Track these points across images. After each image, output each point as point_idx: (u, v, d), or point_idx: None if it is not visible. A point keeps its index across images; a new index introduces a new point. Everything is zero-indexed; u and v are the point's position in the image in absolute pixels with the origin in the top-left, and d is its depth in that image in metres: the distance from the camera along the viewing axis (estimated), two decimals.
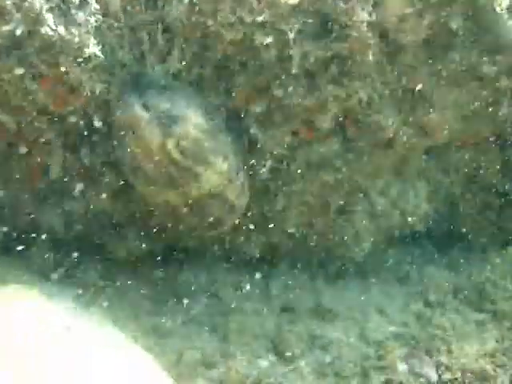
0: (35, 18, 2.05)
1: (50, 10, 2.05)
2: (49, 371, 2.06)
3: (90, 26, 2.10)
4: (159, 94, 2.22)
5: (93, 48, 2.12)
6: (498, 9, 2.32)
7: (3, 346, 2.05)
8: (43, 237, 2.69)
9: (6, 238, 2.69)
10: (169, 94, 2.23)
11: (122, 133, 2.23)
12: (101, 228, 2.75)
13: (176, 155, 2.23)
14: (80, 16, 2.09)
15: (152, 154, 2.22)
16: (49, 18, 2.06)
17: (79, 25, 2.10)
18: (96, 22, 2.11)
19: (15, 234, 2.69)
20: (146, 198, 2.41)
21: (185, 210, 2.38)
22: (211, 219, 2.49)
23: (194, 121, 2.25)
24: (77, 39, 2.10)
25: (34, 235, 2.69)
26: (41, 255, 2.75)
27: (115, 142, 2.29)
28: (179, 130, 2.22)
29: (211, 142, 2.29)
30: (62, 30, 2.08)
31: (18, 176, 2.49)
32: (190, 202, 2.35)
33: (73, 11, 2.08)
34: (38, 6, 2.02)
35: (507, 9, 2.34)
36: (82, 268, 2.78)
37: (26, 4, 2.01)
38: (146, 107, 2.19)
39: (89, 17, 2.10)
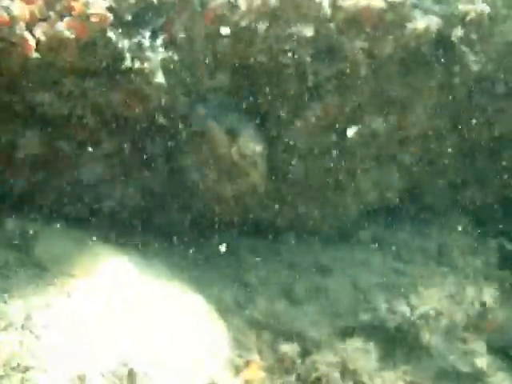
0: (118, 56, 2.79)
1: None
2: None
3: (157, 60, 2.84)
4: (224, 110, 3.01)
5: (159, 78, 2.85)
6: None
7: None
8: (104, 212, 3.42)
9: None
10: (229, 110, 3.04)
11: (194, 137, 3.01)
12: (151, 205, 3.47)
13: (237, 158, 3.03)
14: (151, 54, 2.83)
15: (219, 154, 3.01)
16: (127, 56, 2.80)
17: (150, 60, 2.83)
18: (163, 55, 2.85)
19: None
20: (199, 187, 3.19)
21: (230, 197, 3.21)
22: (243, 205, 3.35)
23: (249, 133, 3.06)
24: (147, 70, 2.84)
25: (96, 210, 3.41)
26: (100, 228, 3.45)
27: (183, 142, 3.07)
28: (242, 140, 3.05)
29: (258, 148, 3.11)
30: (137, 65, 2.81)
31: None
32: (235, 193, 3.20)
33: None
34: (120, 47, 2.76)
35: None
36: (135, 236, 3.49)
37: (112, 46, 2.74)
38: (217, 120, 2.98)
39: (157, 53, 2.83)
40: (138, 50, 2.74)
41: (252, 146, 3.17)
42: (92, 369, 2.38)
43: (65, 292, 2.79)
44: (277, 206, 3.56)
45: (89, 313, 2.71)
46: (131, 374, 2.32)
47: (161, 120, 3.06)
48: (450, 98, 3.59)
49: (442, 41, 3.28)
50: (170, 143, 3.14)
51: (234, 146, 3.12)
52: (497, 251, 3.89)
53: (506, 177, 4.04)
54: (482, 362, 3.54)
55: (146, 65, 2.77)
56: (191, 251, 3.61)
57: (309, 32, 2.92)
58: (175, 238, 3.58)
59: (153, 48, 2.78)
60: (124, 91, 2.88)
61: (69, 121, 3.00)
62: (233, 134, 3.12)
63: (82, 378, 2.32)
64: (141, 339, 2.68)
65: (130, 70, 2.77)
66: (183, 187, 3.29)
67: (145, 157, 3.22)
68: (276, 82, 3.11)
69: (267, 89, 3.13)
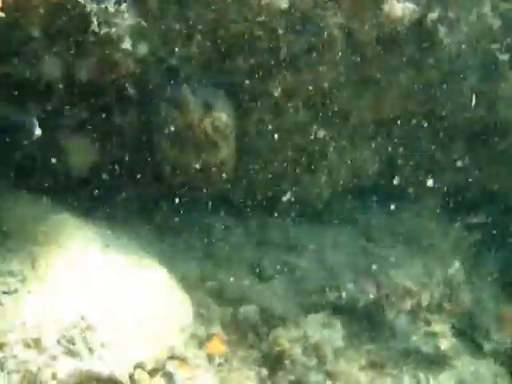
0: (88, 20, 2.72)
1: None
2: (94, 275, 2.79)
3: (124, 26, 2.77)
4: (197, 81, 2.99)
5: (126, 44, 2.79)
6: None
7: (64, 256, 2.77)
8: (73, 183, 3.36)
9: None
10: (202, 81, 3.04)
11: (168, 107, 2.98)
12: (118, 175, 3.43)
13: (210, 130, 2.99)
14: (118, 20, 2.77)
15: (191, 126, 2.97)
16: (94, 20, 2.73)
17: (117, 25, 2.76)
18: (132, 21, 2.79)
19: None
20: (169, 158, 3.14)
21: (197, 170, 3.17)
22: (211, 179, 3.31)
23: (223, 109, 3.06)
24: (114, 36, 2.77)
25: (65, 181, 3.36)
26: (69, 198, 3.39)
27: (155, 112, 3.02)
28: (216, 113, 3.03)
29: (230, 123, 3.09)
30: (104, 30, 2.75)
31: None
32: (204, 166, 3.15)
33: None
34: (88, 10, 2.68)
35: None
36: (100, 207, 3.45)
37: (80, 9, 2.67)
38: (192, 92, 2.95)
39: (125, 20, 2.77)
40: (106, 15, 2.68)
41: (225, 119, 3.13)
42: (48, 333, 2.35)
43: (28, 260, 2.76)
44: (247, 183, 3.54)
45: (51, 280, 2.68)
46: (86, 340, 2.30)
47: (131, 88, 3.01)
48: (425, 80, 3.57)
49: (418, 21, 3.25)
50: (141, 113, 3.10)
51: (207, 118, 3.08)
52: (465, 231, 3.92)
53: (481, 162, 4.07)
54: (446, 344, 3.56)
55: (113, 30, 2.71)
56: (160, 224, 3.59)
57: (284, 3, 2.88)
58: (144, 210, 3.56)
59: (121, 13, 2.72)
60: (92, 57, 2.83)
61: (36, 86, 2.95)
62: (207, 106, 3.08)
63: (37, 342, 2.30)
64: (102, 308, 2.65)
65: (97, 35, 2.71)
66: (153, 158, 3.25)
67: (115, 126, 3.17)
68: (249, 53, 3.07)
69: (240, 61, 3.09)
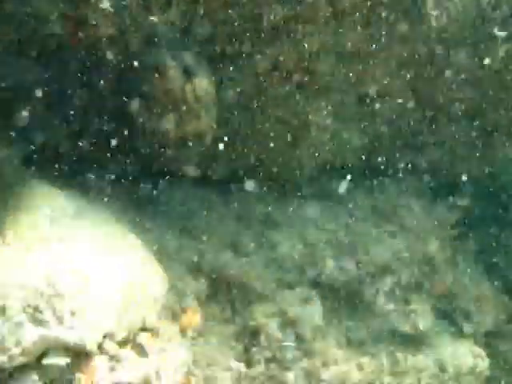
0: None
1: None
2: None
3: None
4: (178, 46, 2.89)
5: (104, 4, 2.70)
6: None
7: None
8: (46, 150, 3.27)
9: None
10: (183, 47, 2.95)
11: (145, 73, 2.88)
12: (97, 146, 3.33)
13: (190, 98, 2.90)
14: None
15: (171, 93, 2.88)
16: None
17: None
18: None
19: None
20: (146, 127, 3.06)
21: (176, 140, 3.08)
22: (190, 150, 3.22)
23: (205, 76, 2.95)
24: None
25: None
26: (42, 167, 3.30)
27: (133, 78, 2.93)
28: (197, 80, 2.93)
29: (211, 93, 3.00)
30: None
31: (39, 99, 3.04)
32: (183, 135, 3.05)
33: None
34: None
35: None
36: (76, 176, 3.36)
37: None
38: (173, 57, 2.85)
39: None
40: None
41: (207, 87, 3.03)
42: (14, 300, 2.27)
43: None
44: (227, 156, 3.46)
45: (19, 247, 2.60)
46: (53, 307, 2.23)
47: (109, 53, 2.92)
48: (412, 56, 3.50)
49: None
50: (118, 78, 3.00)
51: (188, 86, 2.98)
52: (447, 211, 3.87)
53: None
54: (425, 323, 3.53)
55: None
56: (137, 195, 3.51)
57: None
58: (121, 180, 3.47)
59: None
60: (68, 17, 2.72)
61: (9, 48, 2.85)
62: (188, 73, 2.98)
63: (2, 310, 2.22)
64: (71, 276, 2.56)
65: None
66: (131, 126, 3.15)
67: (91, 92, 3.07)
68: (230, 21, 2.98)
69: (221, 28, 3.00)
